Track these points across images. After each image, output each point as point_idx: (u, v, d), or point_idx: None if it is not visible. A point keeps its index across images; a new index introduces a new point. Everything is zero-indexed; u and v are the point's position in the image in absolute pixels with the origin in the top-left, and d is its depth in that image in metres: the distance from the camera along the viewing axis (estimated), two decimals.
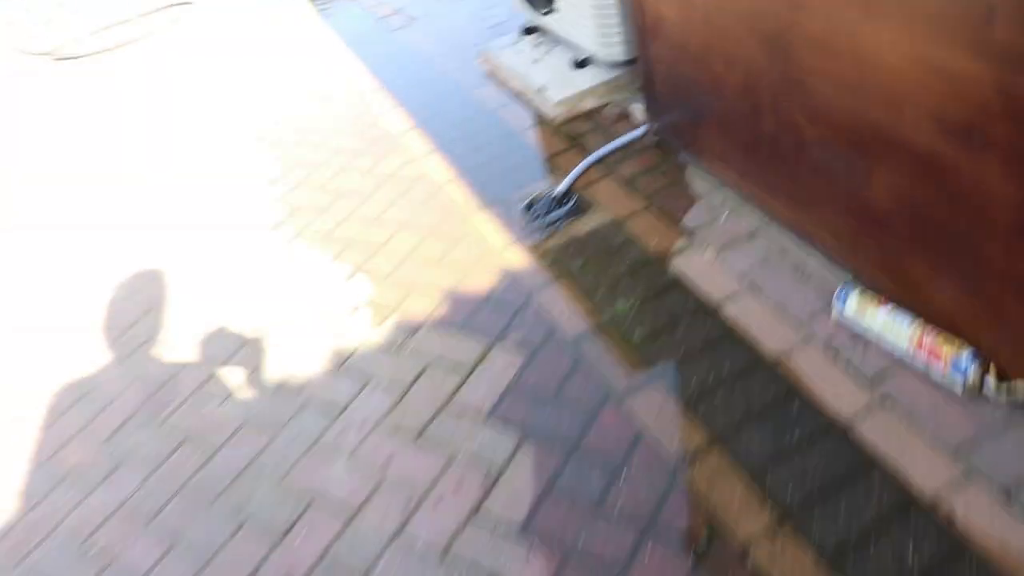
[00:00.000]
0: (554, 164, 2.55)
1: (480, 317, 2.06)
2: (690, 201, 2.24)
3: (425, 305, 2.15)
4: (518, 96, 2.98)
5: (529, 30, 3.21)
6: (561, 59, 2.96)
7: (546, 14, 2.94)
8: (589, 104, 2.76)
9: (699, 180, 2.29)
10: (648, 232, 2.17)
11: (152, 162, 3.34)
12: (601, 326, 1.93)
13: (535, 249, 2.23)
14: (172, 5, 5.13)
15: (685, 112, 2.25)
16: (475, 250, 2.29)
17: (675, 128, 2.36)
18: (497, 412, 1.79)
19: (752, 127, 1.95)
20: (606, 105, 2.75)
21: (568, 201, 2.35)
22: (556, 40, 3.09)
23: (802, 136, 1.78)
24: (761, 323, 1.83)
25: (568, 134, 2.68)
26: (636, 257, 2.10)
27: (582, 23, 2.69)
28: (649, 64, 2.32)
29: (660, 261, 2.07)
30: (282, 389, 2.02)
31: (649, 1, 2.16)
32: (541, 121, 2.79)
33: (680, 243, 2.11)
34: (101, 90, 4.17)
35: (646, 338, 1.87)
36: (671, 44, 2.15)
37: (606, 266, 2.10)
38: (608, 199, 2.33)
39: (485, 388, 1.86)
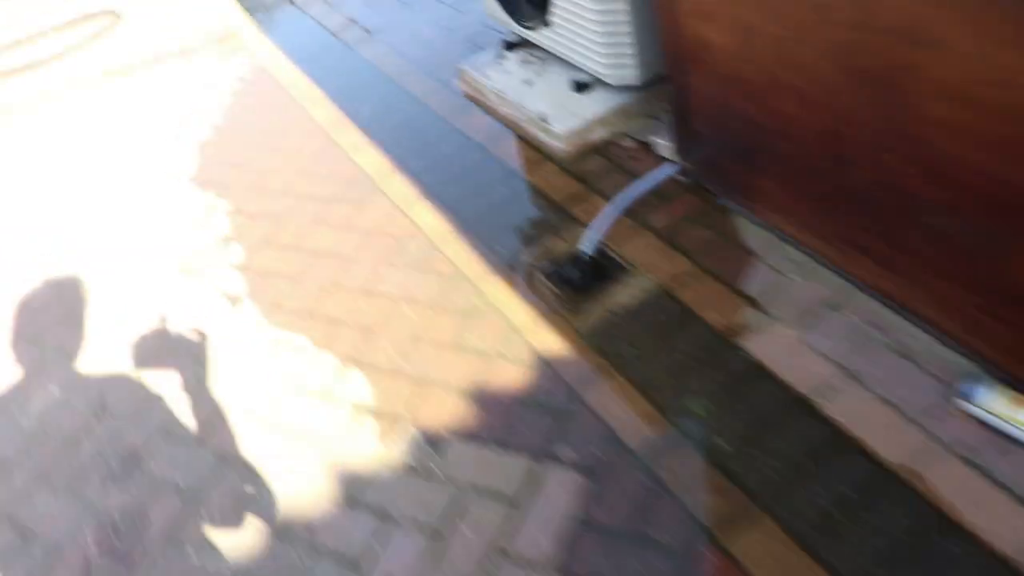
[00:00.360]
0: (571, 212, 2.18)
1: (518, 425, 1.69)
2: (746, 260, 1.90)
3: (444, 409, 1.76)
4: (511, 125, 2.58)
5: (512, 45, 2.82)
6: (558, 80, 2.58)
7: (535, 28, 2.55)
8: (599, 135, 2.39)
9: (752, 233, 1.96)
10: (705, 302, 1.82)
11: (67, 233, 2.83)
12: (677, 435, 1.58)
13: (570, 327, 1.86)
14: (95, 16, 4.51)
15: (732, 153, 1.91)
16: (495, 330, 1.91)
17: (715, 169, 2.01)
18: (567, 565, 1.43)
19: (834, 179, 1.62)
20: (618, 136, 2.38)
21: (599, 262, 1.99)
22: (547, 57, 2.70)
23: (913, 196, 1.45)
24: (872, 423, 1.51)
25: (580, 174, 2.30)
26: (698, 336, 1.76)
27: (586, 40, 2.31)
28: (684, 95, 1.96)
29: (728, 341, 1.73)
30: (281, 536, 1.61)
31: (689, 23, 1.79)
32: (545, 157, 2.41)
33: (747, 316, 1.77)
34: (8, 125, 3.59)
35: (736, 450, 1.53)
36: (719, 75, 1.80)
37: (664, 349, 1.75)
38: (647, 258, 1.97)
39: (542, 527, 1.49)
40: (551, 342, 1.84)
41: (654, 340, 1.77)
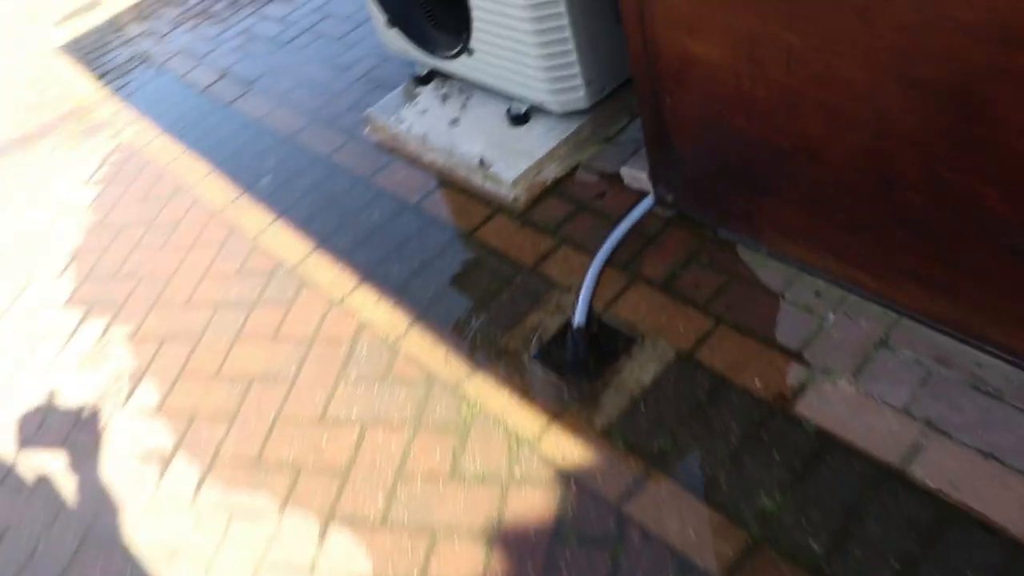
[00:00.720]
0: (544, 274, 1.84)
1: (566, 571, 1.35)
2: (770, 303, 1.62)
3: (463, 565, 1.41)
4: (443, 176, 2.22)
5: (424, 78, 2.44)
6: (489, 114, 2.23)
7: (453, 58, 2.19)
8: (552, 173, 2.06)
9: (767, 268, 1.68)
10: (739, 364, 1.53)
11: None
12: (757, 545, 1.28)
13: (588, 425, 1.53)
14: None
15: (730, 177, 1.62)
16: (496, 445, 1.56)
17: (709, 197, 1.72)
18: None
19: (877, 202, 1.35)
20: (574, 170, 2.06)
21: (598, 334, 1.67)
22: (470, 88, 2.34)
23: (987, 216, 1.19)
24: (977, 484, 1.25)
25: (542, 224, 1.97)
26: (742, 410, 1.46)
27: (519, 64, 1.97)
28: (660, 117, 1.65)
29: (781, 411, 1.44)
30: None
31: (668, 37, 1.48)
32: (495, 210, 2.06)
33: (793, 374, 1.49)
34: None
35: (831, 549, 1.24)
36: (709, 94, 1.50)
37: (707, 434, 1.45)
38: (653, 318, 1.66)
39: None
40: (570, 449, 1.51)
41: (692, 424, 1.47)
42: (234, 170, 2.60)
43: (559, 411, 1.57)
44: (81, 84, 3.54)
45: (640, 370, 1.59)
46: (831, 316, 1.55)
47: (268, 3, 3.45)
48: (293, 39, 3.14)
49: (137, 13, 3.91)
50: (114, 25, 3.91)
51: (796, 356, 1.51)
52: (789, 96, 1.35)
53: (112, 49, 3.68)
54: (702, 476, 1.40)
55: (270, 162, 2.57)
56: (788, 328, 1.56)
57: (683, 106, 1.58)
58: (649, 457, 1.45)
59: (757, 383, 1.50)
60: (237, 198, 2.47)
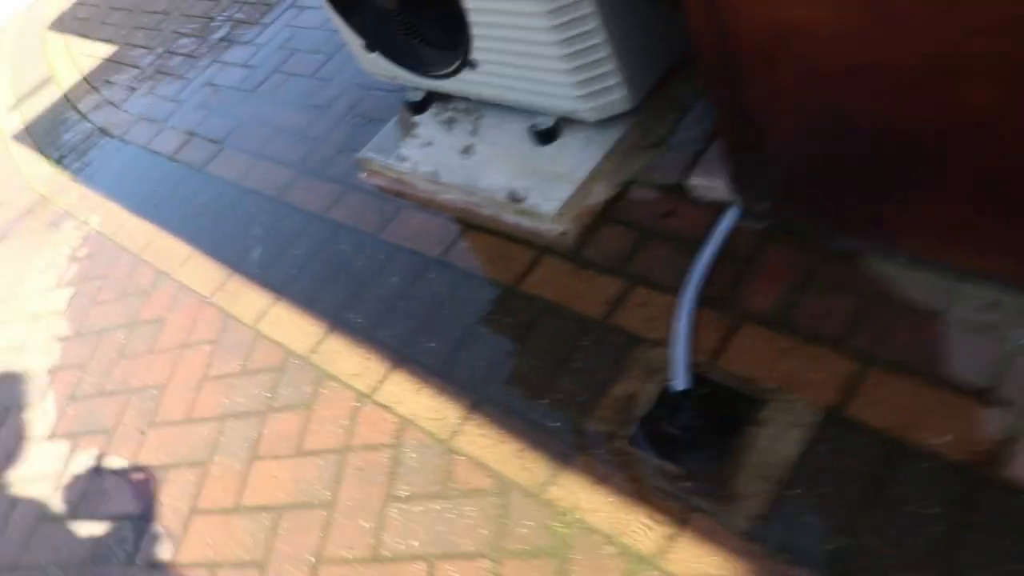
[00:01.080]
0: (622, 327, 1.47)
1: None
2: (929, 327, 1.24)
3: None
4: (465, 218, 1.85)
5: (420, 105, 2.07)
6: (508, 135, 1.86)
7: (452, 75, 1.82)
8: (601, 195, 1.69)
9: (912, 281, 1.30)
10: (912, 418, 1.15)
11: None
12: None
13: (727, 528, 1.15)
14: None
15: (851, 176, 1.24)
16: (610, 571, 1.19)
17: (818, 201, 1.34)
18: None
19: None
20: (627, 188, 1.68)
21: (710, 398, 1.29)
22: (477, 108, 1.97)
23: None
24: None
25: (603, 261, 1.59)
26: (934, 483, 1.09)
27: (540, 71, 1.60)
28: (744, 111, 1.28)
29: (988, 479, 1.06)
30: None
31: (753, 6, 1.11)
32: (540, 251, 1.68)
33: (990, 423, 1.11)
34: None
35: None
36: (816, 73, 1.12)
37: (896, 523, 1.07)
38: (778, 368, 1.29)
39: None
40: (711, 566, 1.13)
41: (871, 511, 1.09)
42: (218, 246, 2.23)
43: (683, 512, 1.20)
44: (40, 172, 3.19)
45: (778, 441, 1.21)
46: (1018, 333, 1.17)
47: (227, 49, 3.09)
48: (261, 84, 2.77)
49: (90, 83, 3.56)
50: (69, 101, 3.56)
51: (988, 395, 1.14)
52: (944, 59, 0.98)
53: (69, 127, 3.33)
54: None
55: (258, 230, 2.20)
56: (966, 358, 1.18)
57: (777, 92, 1.20)
58: (821, 567, 1.07)
59: (942, 442, 1.12)
60: (227, 280, 2.10)
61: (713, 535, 1.16)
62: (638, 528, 1.21)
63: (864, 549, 1.07)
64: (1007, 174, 1.05)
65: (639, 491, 1.24)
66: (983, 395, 1.14)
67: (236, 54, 3.02)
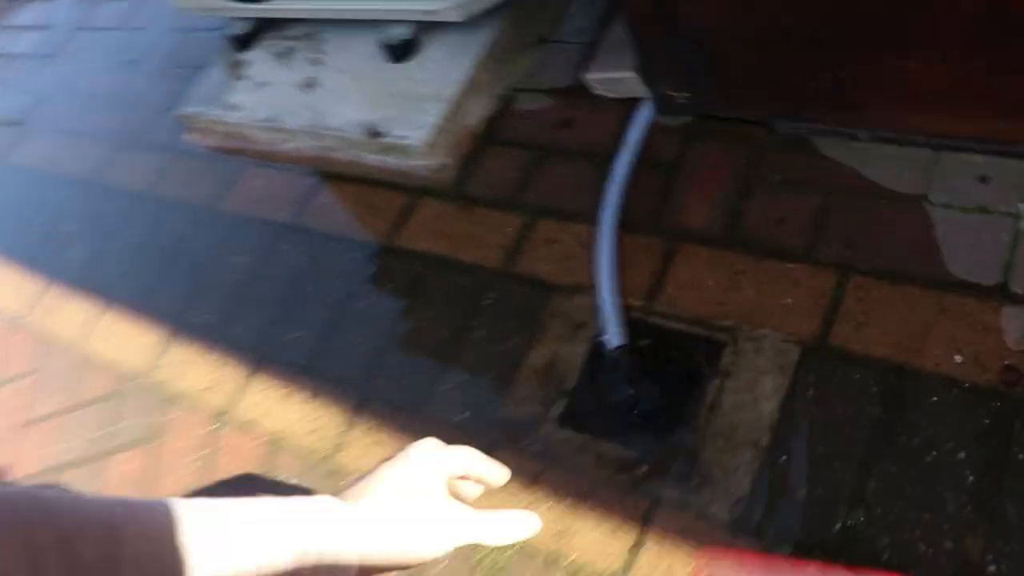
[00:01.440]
0: (529, 275, 1.15)
1: None
2: (912, 216, 0.96)
3: None
4: (321, 166, 1.47)
5: (247, 37, 1.66)
6: (358, 56, 1.48)
7: None
8: (480, 112, 1.35)
9: (874, 164, 1.02)
10: (911, 336, 0.89)
11: None
12: None
13: (710, 524, 0.87)
14: None
15: (804, 46, 0.94)
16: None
17: (757, 82, 1.04)
18: None
19: None
20: (512, 99, 1.34)
21: (656, 349, 1.00)
22: (315, 31, 1.58)
23: None
24: None
25: (494, 195, 1.26)
26: (964, 418, 0.83)
27: None
28: None
29: (1015, 397, 0.81)
30: None
31: None
32: (415, 193, 1.33)
33: (1008, 322, 0.85)
34: None
35: None
36: None
37: (927, 479, 0.81)
38: (736, 299, 1.00)
39: None
40: None
41: (885, 468, 0.83)
42: (29, 251, 1.79)
43: (644, 508, 0.91)
44: None
45: (750, 393, 0.93)
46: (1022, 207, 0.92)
47: (12, 10, 2.55)
48: (61, 47, 2.27)
49: None
50: None
51: (998, 292, 0.88)
52: None
53: None
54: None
55: (74, 224, 1.77)
56: (961, 250, 0.92)
57: None
58: (836, 554, 0.81)
59: (957, 360, 0.86)
60: (43, 293, 1.68)
61: (687, 533, 0.88)
62: (589, 543, 0.91)
63: (886, 520, 0.80)
64: (996, 22, 0.77)
65: (583, 490, 0.95)
66: (991, 294, 0.88)
67: (25, 16, 2.49)
